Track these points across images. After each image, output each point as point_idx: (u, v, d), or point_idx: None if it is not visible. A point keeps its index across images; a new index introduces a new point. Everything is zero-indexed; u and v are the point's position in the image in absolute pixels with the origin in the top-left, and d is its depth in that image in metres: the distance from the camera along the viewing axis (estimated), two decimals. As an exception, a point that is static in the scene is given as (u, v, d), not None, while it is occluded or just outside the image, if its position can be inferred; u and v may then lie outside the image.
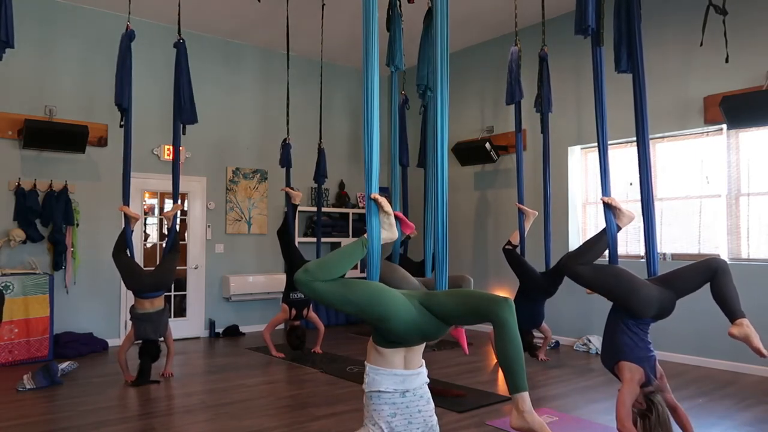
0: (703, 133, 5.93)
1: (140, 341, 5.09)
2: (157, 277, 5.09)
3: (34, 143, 6.21)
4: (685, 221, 6.08)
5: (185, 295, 7.50)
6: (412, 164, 7.50)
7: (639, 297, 3.20)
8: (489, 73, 7.91)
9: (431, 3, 3.17)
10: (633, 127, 3.53)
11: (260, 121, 8.08)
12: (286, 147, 6.65)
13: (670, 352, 5.79)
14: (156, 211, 7.77)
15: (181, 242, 6.98)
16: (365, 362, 2.47)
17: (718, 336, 5.15)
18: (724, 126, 5.61)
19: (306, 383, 5.11)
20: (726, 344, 5.05)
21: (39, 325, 5.86)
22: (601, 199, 3.42)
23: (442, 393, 4.39)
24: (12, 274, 5.84)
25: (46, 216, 6.31)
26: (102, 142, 6.77)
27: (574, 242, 6.79)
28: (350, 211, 8.75)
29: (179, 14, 5.35)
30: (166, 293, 5.32)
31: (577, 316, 6.61)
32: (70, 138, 6.35)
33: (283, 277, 7.37)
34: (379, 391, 2.38)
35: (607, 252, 3.44)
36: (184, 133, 5.30)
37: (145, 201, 7.43)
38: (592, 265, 3.36)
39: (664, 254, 6.06)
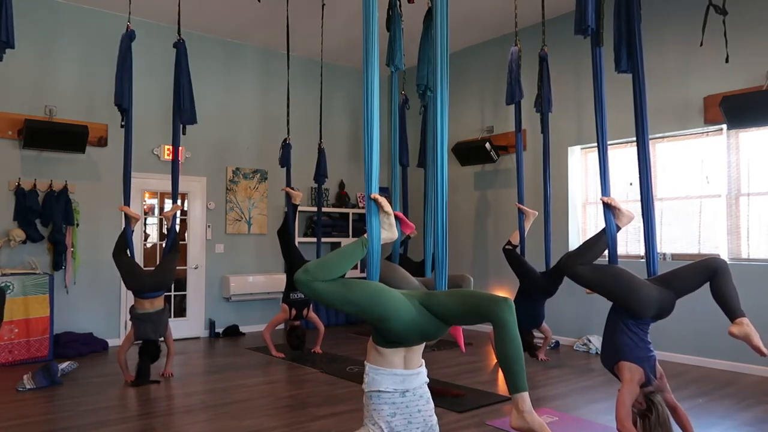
0: (703, 133, 5.93)
1: (140, 341, 5.10)
2: (157, 277, 5.09)
3: (34, 143, 6.21)
4: (685, 221, 6.08)
5: (185, 295, 7.50)
6: (412, 164, 7.50)
7: (639, 297, 3.20)
8: (489, 73, 7.91)
9: (431, 3, 3.17)
10: (633, 127, 3.53)
11: (260, 121, 8.08)
12: (286, 147, 6.65)
13: (670, 352, 5.79)
14: (156, 211, 7.77)
15: (181, 242, 6.99)
16: (365, 362, 2.48)
17: (718, 336, 5.15)
18: (724, 126, 5.61)
19: (306, 383, 5.11)
20: (726, 344, 5.06)
21: (39, 325, 5.86)
22: (601, 199, 3.42)
23: (441, 393, 4.39)
24: (12, 274, 5.84)
25: (46, 216, 6.31)
26: (102, 142, 6.77)
27: (574, 242, 6.79)
28: (350, 211, 8.75)
29: (179, 14, 5.35)
30: (166, 293, 5.32)
31: (577, 316, 6.61)
32: (70, 138, 6.35)
33: (283, 277, 7.37)
34: (379, 391, 2.38)
35: (606, 252, 3.44)
36: (184, 134, 5.30)
37: (145, 201, 7.43)
38: (592, 265, 3.36)
39: (664, 254, 6.06)
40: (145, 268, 5.42)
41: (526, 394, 2.12)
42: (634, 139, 3.52)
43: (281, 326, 7.12)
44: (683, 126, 5.96)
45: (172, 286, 7.03)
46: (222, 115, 7.73)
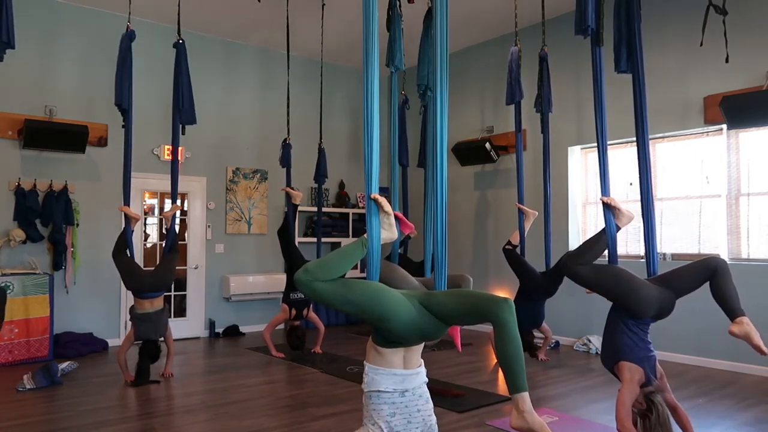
0: (703, 133, 5.93)
1: (140, 341, 5.10)
2: (157, 277, 5.09)
3: (34, 143, 6.21)
4: (685, 221, 6.08)
5: (185, 295, 7.50)
6: (412, 164, 7.50)
7: (638, 297, 3.20)
8: (489, 73, 7.91)
9: (431, 3, 3.17)
10: (633, 127, 3.53)
11: (260, 121, 8.08)
12: (286, 147, 6.65)
13: (670, 352, 5.79)
14: (156, 211, 7.77)
15: (181, 242, 7.00)
16: (364, 362, 2.48)
17: (718, 336, 5.15)
18: (724, 126, 5.61)
19: (306, 383, 5.11)
20: (726, 344, 5.06)
21: (39, 325, 5.86)
22: (601, 199, 3.42)
23: (441, 393, 4.39)
24: (12, 274, 5.84)
25: (46, 216, 6.31)
26: (102, 142, 6.77)
27: (574, 242, 6.79)
28: (350, 211, 8.75)
29: (179, 14, 5.35)
30: (165, 293, 5.32)
31: (577, 316, 6.61)
32: (70, 138, 6.35)
33: (283, 277, 7.37)
34: (379, 391, 2.38)
35: (606, 252, 3.44)
36: (183, 134, 5.30)
37: (145, 201, 7.43)
38: (592, 265, 3.36)
39: (664, 254, 6.06)
40: (144, 268, 5.42)
41: (526, 394, 2.12)
42: (634, 139, 3.52)
43: (281, 326, 7.13)
44: (683, 126, 5.96)
45: (172, 286, 7.03)
46: (222, 115, 7.73)
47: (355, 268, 7.36)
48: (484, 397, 4.54)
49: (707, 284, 3.18)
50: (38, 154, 6.42)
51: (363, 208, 8.71)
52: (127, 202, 5.29)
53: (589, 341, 6.42)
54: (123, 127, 5.26)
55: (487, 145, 7.54)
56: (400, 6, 4.05)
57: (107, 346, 6.58)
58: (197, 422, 4.03)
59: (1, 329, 4.08)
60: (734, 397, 4.58)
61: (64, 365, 5.27)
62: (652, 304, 3.21)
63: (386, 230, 2.50)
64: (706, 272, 3.18)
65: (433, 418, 2.50)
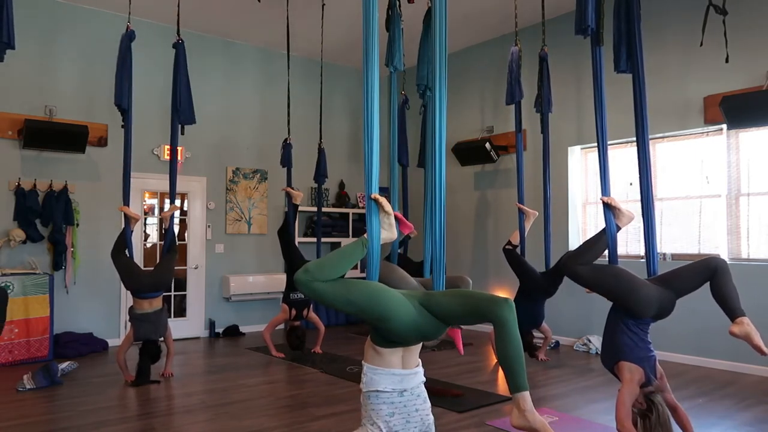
0: (703, 133, 5.93)
1: (140, 342, 5.09)
2: (156, 277, 5.10)
3: (34, 143, 6.21)
4: (685, 221, 6.07)
5: (185, 295, 7.50)
6: (412, 164, 7.50)
7: (639, 297, 3.20)
8: (489, 73, 7.91)
9: (431, 3, 3.17)
10: (633, 127, 3.52)
11: (260, 121, 8.08)
12: (286, 147, 6.65)
13: (670, 352, 5.79)
14: (156, 211, 7.77)
15: (181, 242, 7.01)
16: (363, 362, 2.48)
17: (718, 336, 5.15)
18: (724, 126, 5.61)
19: (306, 383, 5.11)
20: (726, 344, 5.06)
21: (39, 325, 5.86)
22: (601, 199, 3.42)
23: (441, 393, 4.39)
24: (12, 274, 5.84)
25: (46, 216, 6.31)
26: (102, 142, 6.77)
27: (574, 242, 6.79)
28: (350, 211, 8.75)
29: (178, 14, 5.35)
30: (165, 293, 5.31)
31: (577, 316, 6.61)
32: (70, 138, 6.35)
33: (283, 277, 7.37)
34: (377, 391, 2.38)
35: (606, 252, 3.44)
36: (182, 134, 5.30)
37: (145, 201, 7.43)
38: (592, 265, 3.36)
39: (664, 254, 6.06)
40: (144, 268, 5.42)
41: (527, 393, 2.13)
42: (634, 139, 3.52)
43: (281, 326, 7.13)
44: (683, 126, 5.96)
45: (172, 286, 7.03)
46: (222, 115, 7.73)
47: (355, 268, 7.36)
48: (484, 397, 4.54)
49: (707, 284, 3.18)
50: (38, 154, 6.42)
51: (363, 208, 8.71)
52: (126, 202, 5.28)
53: (589, 341, 6.42)
54: (123, 127, 5.25)
55: (487, 145, 7.54)
56: (399, 6, 4.05)
57: (107, 346, 6.58)
58: (197, 422, 4.03)
59: (2, 330, 4.07)
60: (734, 397, 4.58)
61: (64, 365, 5.27)
62: (652, 304, 3.21)
63: (386, 230, 2.50)
64: (707, 272, 3.17)
65: (431, 417, 2.50)
